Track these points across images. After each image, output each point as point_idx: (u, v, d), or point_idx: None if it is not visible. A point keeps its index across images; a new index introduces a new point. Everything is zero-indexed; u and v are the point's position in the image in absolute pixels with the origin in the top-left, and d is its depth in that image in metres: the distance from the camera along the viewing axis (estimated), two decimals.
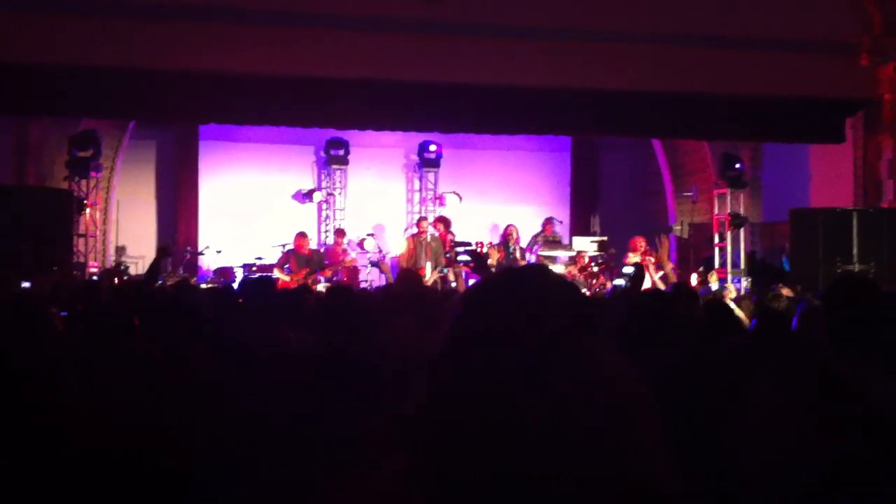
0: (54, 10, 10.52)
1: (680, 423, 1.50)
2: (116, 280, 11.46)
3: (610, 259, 13.61)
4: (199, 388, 2.64)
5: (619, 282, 12.17)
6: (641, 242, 12.94)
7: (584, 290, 12.77)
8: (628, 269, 12.40)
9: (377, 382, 3.01)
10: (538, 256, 13.77)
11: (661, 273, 8.69)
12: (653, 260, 12.73)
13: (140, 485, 1.50)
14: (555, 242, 14.20)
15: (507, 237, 13.74)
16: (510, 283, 1.27)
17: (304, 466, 2.40)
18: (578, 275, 13.28)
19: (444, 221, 14.03)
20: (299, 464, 2.42)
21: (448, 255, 13.04)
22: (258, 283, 4.97)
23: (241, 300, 4.45)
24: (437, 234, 13.77)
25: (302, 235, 13.40)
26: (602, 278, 13.13)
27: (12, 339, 3.34)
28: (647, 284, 8.51)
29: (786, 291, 8.17)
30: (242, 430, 2.58)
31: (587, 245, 14.17)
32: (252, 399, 2.86)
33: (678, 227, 15.19)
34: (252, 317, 4.04)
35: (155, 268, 6.85)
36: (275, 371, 3.18)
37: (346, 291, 4.18)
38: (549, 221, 14.63)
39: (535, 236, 14.26)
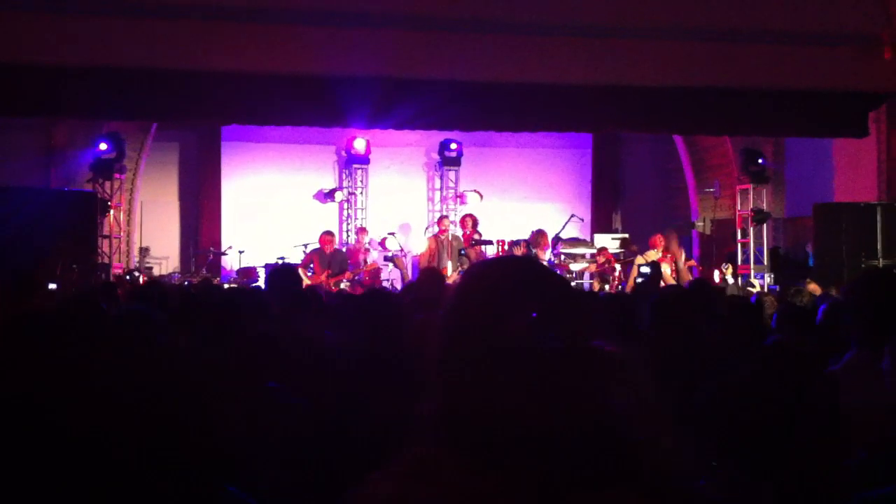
0: (74, 11, 10.56)
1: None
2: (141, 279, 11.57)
3: (632, 255, 13.56)
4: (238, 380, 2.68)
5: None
6: (661, 239, 12.95)
7: (605, 286, 12.77)
8: (645, 269, 12.42)
9: (408, 378, 3.03)
10: (560, 254, 13.74)
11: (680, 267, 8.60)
12: (669, 257, 12.76)
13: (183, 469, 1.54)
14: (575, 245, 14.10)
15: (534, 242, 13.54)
16: (496, 267, 1.65)
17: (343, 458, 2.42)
18: (598, 271, 13.26)
19: (471, 219, 13.93)
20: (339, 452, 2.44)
21: (464, 253, 13.01)
22: (284, 272, 4.96)
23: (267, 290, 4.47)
24: (459, 233, 13.74)
25: (328, 234, 13.44)
26: (622, 275, 13.10)
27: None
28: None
29: (812, 287, 8.12)
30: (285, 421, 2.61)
31: (609, 242, 14.17)
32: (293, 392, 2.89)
33: (700, 223, 15.13)
34: (279, 309, 4.06)
35: None
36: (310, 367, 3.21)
37: (384, 294, 4.20)
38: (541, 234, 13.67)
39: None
